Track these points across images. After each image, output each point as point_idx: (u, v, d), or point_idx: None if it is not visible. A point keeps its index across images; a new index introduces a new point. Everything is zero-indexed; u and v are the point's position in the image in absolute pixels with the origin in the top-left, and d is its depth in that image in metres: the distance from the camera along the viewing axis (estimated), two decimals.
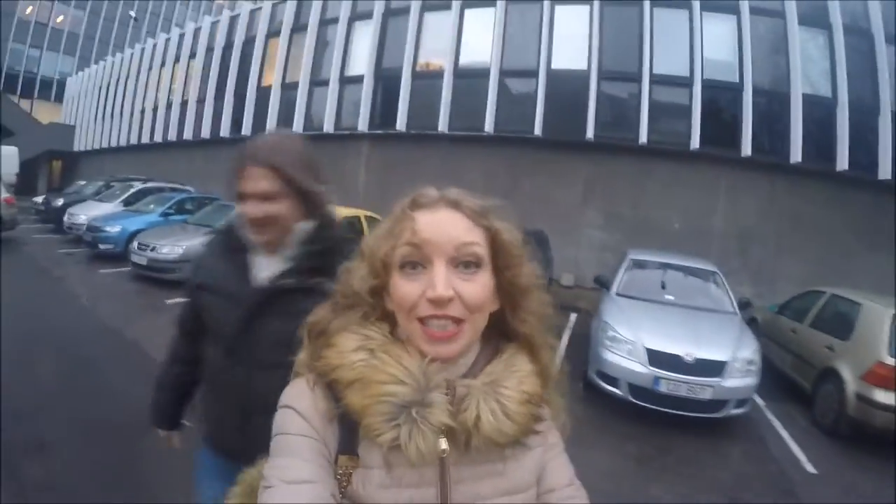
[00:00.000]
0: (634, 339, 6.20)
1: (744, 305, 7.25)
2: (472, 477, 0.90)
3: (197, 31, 25.46)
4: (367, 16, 18.27)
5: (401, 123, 16.84)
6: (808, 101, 13.90)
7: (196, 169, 22.45)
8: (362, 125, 17.69)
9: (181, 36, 26.73)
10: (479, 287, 0.89)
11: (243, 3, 24.05)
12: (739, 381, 5.88)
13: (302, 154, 1.67)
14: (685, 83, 14.24)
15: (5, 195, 14.84)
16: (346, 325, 0.95)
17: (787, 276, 12.75)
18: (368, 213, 10.59)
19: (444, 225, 0.90)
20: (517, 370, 0.94)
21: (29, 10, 44.62)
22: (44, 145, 34.90)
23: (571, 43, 15.25)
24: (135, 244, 11.61)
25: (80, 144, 35.84)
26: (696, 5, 14.50)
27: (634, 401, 6.01)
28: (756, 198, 14.11)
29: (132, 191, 17.06)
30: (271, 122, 19.91)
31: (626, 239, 8.99)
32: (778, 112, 14.14)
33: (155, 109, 27.21)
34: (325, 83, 18.77)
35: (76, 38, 46.69)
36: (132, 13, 43.71)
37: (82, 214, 15.56)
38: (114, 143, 30.88)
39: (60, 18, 46.25)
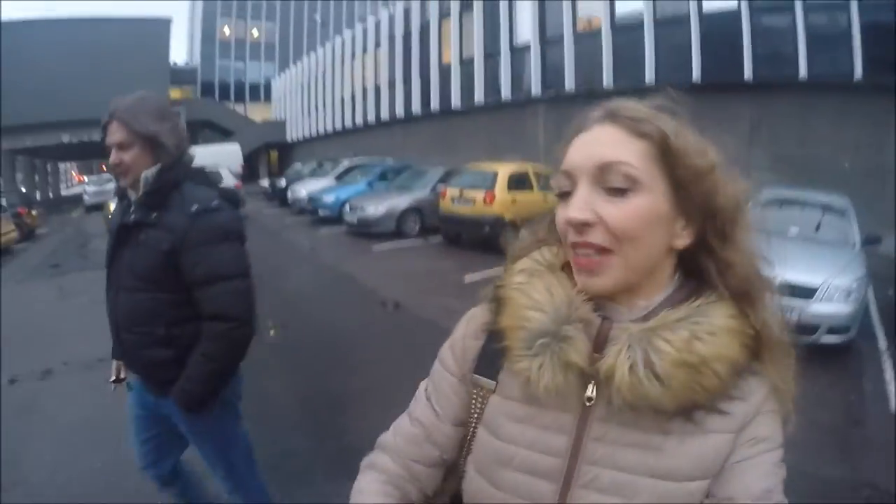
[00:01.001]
0: None
1: (872, 240, 6.89)
2: (618, 440, 0.76)
3: (378, 24, 28.69)
4: None
5: (569, 84, 17.94)
6: None
7: (396, 144, 25.73)
8: (535, 90, 19.02)
9: (364, 30, 30.21)
10: (625, 211, 0.74)
11: None
12: (832, 306, 5.68)
13: (151, 110, 1.93)
14: (841, 6, 12.68)
15: (235, 182, 18.66)
16: (529, 246, 0.92)
17: None
18: (535, 168, 11.77)
19: (591, 143, 0.78)
20: (700, 323, 0.74)
21: (226, 31, 52.25)
22: (260, 139, 41.53)
23: None
24: (346, 208, 14.23)
25: (291, 135, 41.46)
26: None
27: None
28: None
29: (341, 167, 20.18)
30: (455, 95, 22.24)
31: (794, 180, 8.67)
32: None
33: (353, 97, 31.15)
34: (498, 54, 20.47)
35: (273, 47, 53.61)
36: (317, 17, 48.87)
37: (302, 190, 18.86)
38: (320, 131, 35.72)
39: (255, 33, 53.28)
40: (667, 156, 0.75)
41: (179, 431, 2.14)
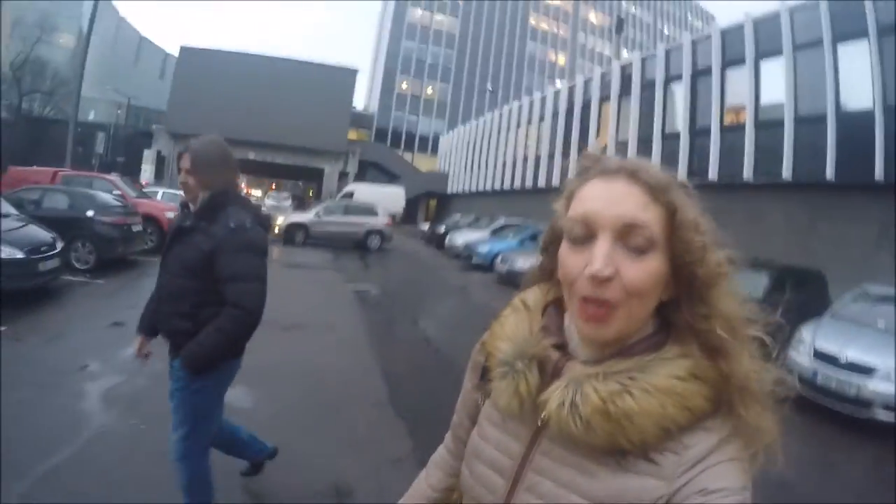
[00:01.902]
0: (810, 340, 7.12)
1: None
2: (560, 458, 0.85)
3: (543, 99, 31.67)
4: (679, 78, 21.21)
5: (713, 173, 18.97)
6: None
7: (547, 210, 27.49)
8: (681, 176, 20.32)
9: (531, 103, 33.26)
10: (644, 271, 0.80)
11: (578, 75, 29.63)
12: (887, 385, 6.17)
13: (213, 152, 2.58)
14: None
15: (387, 219, 22.09)
16: (531, 280, 1.06)
17: None
18: None
19: (616, 198, 0.82)
20: (637, 379, 0.80)
21: (404, 85, 58.43)
22: (423, 188, 45.60)
23: (856, 82, 15.27)
24: (499, 259, 16.20)
25: (451, 188, 45.32)
26: None
27: (801, 391, 5.35)
28: None
29: (497, 224, 22.73)
30: None
31: None
32: None
33: (513, 162, 34.15)
34: (650, 139, 22.16)
35: (444, 106, 59.24)
36: (489, 87, 53.29)
37: (459, 238, 21.60)
38: (479, 188, 39.06)
39: (430, 90, 59.13)
40: (672, 224, 0.81)
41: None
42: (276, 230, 19.52)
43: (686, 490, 0.77)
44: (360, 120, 53.29)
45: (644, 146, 22.62)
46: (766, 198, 17.42)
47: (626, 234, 0.80)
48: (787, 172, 16.69)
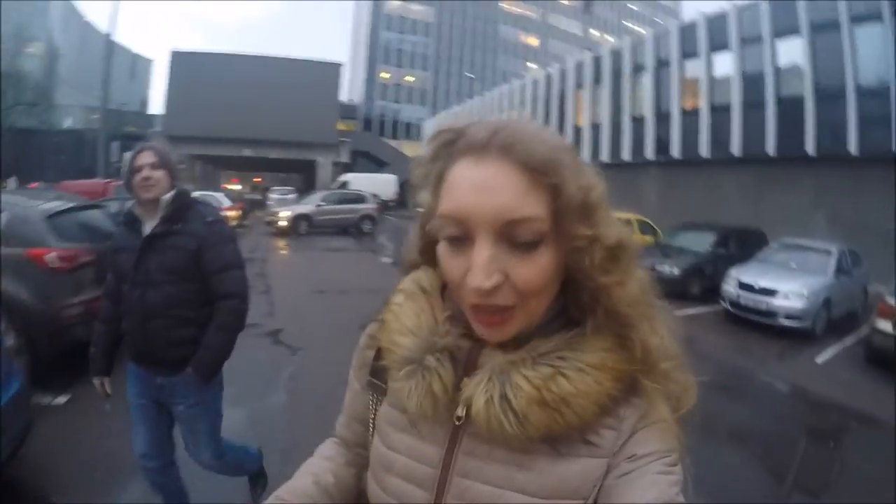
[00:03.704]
0: (736, 276, 9.96)
1: (843, 270, 10.10)
2: (487, 456, 0.76)
3: (523, 86, 34.27)
4: (644, 68, 23.85)
5: (676, 151, 21.74)
6: None
7: None
8: (649, 154, 23.01)
9: (510, 90, 35.86)
10: (535, 269, 0.69)
11: (554, 64, 32.19)
12: (786, 302, 8.86)
13: (171, 152, 2.55)
14: (885, 94, 15.40)
15: (375, 205, 24.31)
16: (416, 262, 0.90)
17: None
18: (639, 217, 14.87)
19: (491, 189, 0.67)
20: (568, 358, 0.72)
21: (386, 75, 60.66)
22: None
23: (792, 72, 18.12)
24: None
25: None
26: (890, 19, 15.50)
27: (730, 309, 9.81)
28: None
29: None
30: (584, 154, 26.03)
31: (847, 240, 11.61)
32: None
33: None
34: (621, 122, 24.81)
35: (425, 93, 61.60)
36: (469, 74, 55.62)
37: None
38: None
39: (411, 79, 61.50)
40: (559, 202, 0.68)
41: (171, 423, 2.61)
42: (285, 222, 20.86)
43: (619, 457, 0.73)
44: (347, 111, 54.65)
45: (615, 129, 25.33)
46: (721, 171, 20.27)
47: (509, 231, 0.67)
48: (736, 150, 19.72)
